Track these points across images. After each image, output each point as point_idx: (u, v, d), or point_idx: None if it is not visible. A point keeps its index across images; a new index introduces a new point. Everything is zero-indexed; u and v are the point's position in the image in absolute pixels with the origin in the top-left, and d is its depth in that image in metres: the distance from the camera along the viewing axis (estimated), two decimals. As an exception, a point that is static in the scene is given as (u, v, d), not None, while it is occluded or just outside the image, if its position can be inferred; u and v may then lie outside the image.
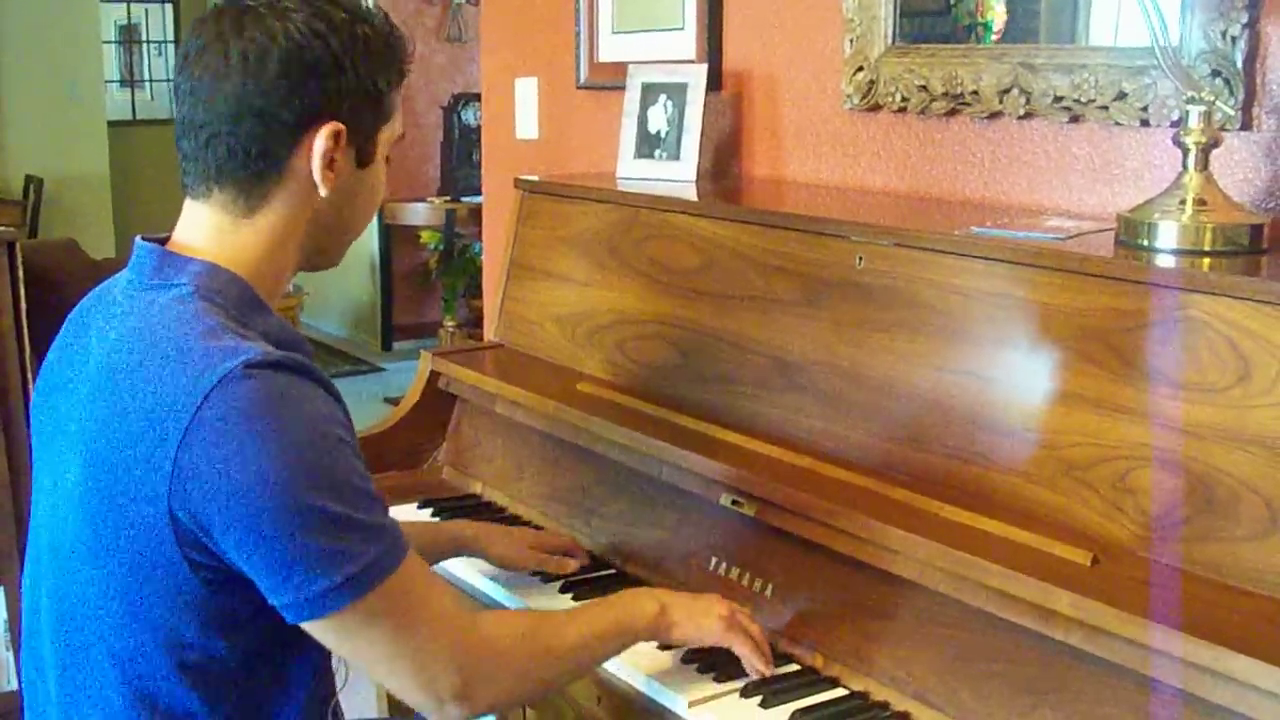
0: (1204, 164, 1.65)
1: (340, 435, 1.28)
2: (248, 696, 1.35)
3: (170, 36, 10.41)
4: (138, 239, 1.41)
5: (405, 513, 2.19)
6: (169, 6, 10.36)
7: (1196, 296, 1.45)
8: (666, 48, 2.70)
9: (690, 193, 2.34)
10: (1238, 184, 1.79)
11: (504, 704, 1.43)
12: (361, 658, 1.32)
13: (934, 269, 1.73)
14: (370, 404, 6.32)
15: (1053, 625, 1.38)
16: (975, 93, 2.09)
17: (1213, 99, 1.65)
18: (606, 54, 2.90)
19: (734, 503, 1.76)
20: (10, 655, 3.24)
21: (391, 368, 7.58)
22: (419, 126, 7.67)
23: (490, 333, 2.55)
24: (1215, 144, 1.65)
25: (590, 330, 2.26)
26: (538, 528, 2.11)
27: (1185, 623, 1.28)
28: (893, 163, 2.28)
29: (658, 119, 2.54)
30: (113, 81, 9.92)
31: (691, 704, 1.58)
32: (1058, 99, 1.97)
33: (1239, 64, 1.75)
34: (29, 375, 3.14)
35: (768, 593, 1.73)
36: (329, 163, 1.36)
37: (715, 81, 2.57)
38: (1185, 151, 1.65)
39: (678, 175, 2.48)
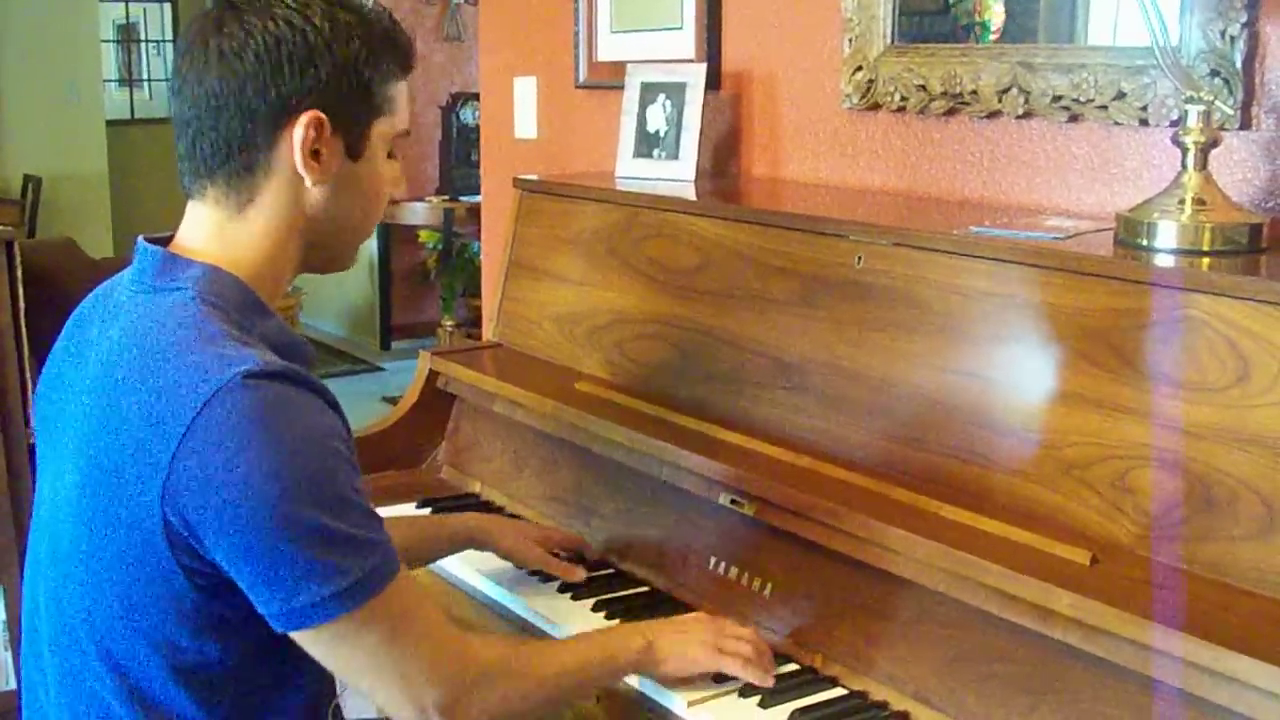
0: (1203, 164, 1.65)
1: (336, 448, 1.27)
2: (244, 699, 1.35)
3: (169, 36, 10.40)
4: (140, 239, 1.41)
5: (404, 511, 2.18)
6: (167, 6, 10.35)
7: (1196, 296, 1.45)
8: (665, 47, 2.70)
9: (689, 192, 2.33)
10: (1237, 184, 1.79)
11: None
12: (348, 670, 1.31)
13: (933, 268, 1.73)
14: (369, 403, 6.32)
15: (1052, 625, 1.38)
16: (974, 92, 2.09)
17: (1212, 98, 1.65)
18: (605, 53, 2.90)
19: (733, 502, 1.76)
20: (9, 655, 3.24)
21: (390, 367, 7.58)
22: (417, 125, 7.67)
23: (489, 332, 2.54)
24: (1214, 143, 1.65)
25: (589, 330, 2.26)
26: (536, 527, 2.11)
27: (1185, 622, 1.28)
28: (892, 162, 2.28)
29: (656, 118, 2.54)
30: (111, 81, 9.92)
31: (690, 703, 1.58)
32: (1057, 98, 1.97)
33: (1238, 64, 1.75)
34: (28, 374, 3.14)
35: (766, 592, 1.73)
36: (313, 153, 1.36)
37: (714, 81, 2.57)
38: (1184, 151, 1.65)
39: (676, 175, 2.48)
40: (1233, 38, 1.74)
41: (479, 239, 4.16)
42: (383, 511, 1.36)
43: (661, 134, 2.53)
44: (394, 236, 7.74)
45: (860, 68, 2.27)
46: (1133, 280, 1.52)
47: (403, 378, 5.76)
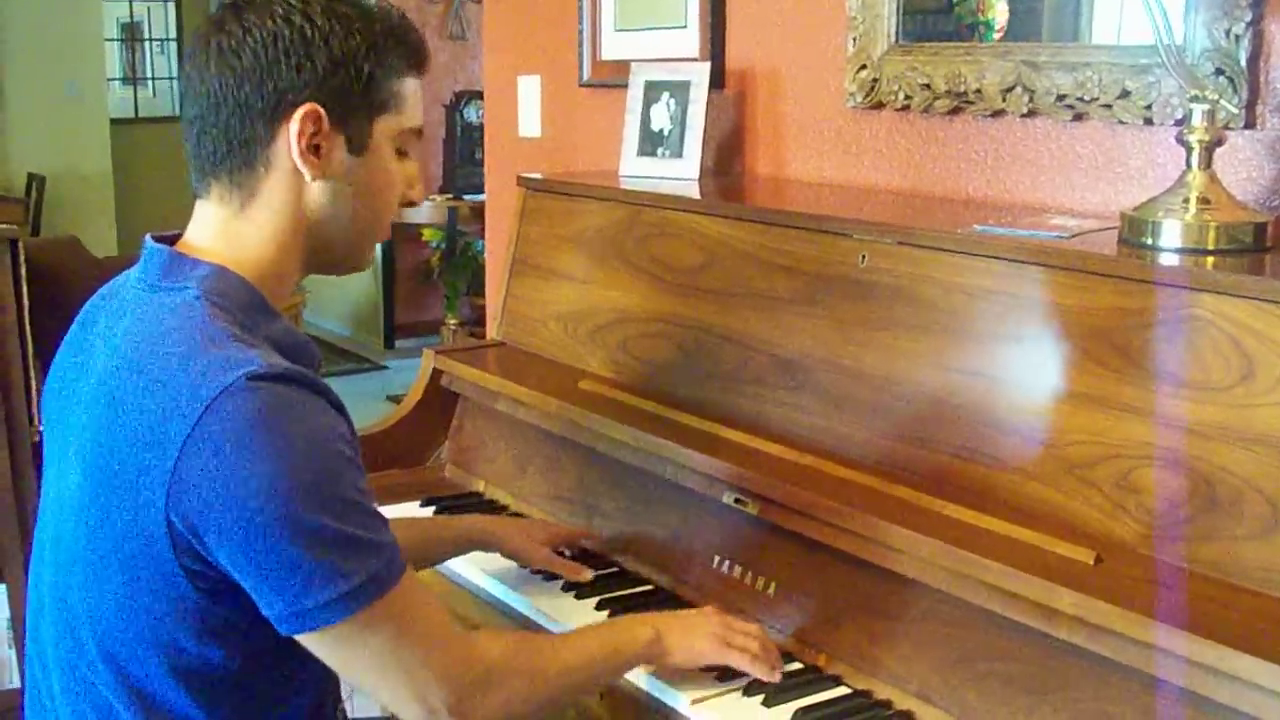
0: (1208, 162, 1.64)
1: (341, 450, 1.27)
2: (247, 702, 1.35)
3: (172, 34, 10.42)
4: (147, 238, 1.41)
5: (408, 510, 2.19)
6: (171, 4, 10.37)
7: (1200, 295, 1.45)
8: (669, 46, 2.70)
9: (693, 191, 2.33)
10: (1241, 182, 1.79)
11: None
12: (354, 672, 1.31)
13: (937, 267, 1.73)
14: (372, 402, 6.32)
15: (1055, 624, 1.38)
16: (978, 91, 2.09)
17: (1216, 97, 1.64)
18: (609, 52, 2.90)
19: (737, 501, 1.76)
20: (13, 653, 3.24)
21: (394, 366, 7.59)
22: (421, 124, 7.65)
23: (492, 331, 2.54)
24: (1219, 142, 1.65)
25: (593, 328, 2.26)
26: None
27: (1188, 622, 1.28)
28: (896, 161, 2.28)
29: (660, 117, 2.54)
30: (115, 79, 9.94)
31: (694, 702, 1.58)
32: (1061, 97, 1.97)
33: (1243, 62, 1.74)
34: (32, 373, 3.15)
35: (770, 591, 1.73)
36: (312, 147, 1.36)
37: (718, 79, 2.57)
38: (1189, 150, 1.65)
39: (680, 173, 2.48)
40: (1237, 36, 1.74)
41: (483, 237, 4.16)
42: (386, 511, 1.36)
43: (665, 133, 2.53)
44: (398, 235, 7.73)
45: (864, 66, 2.27)
46: (1137, 279, 1.52)
47: (406, 376, 5.76)
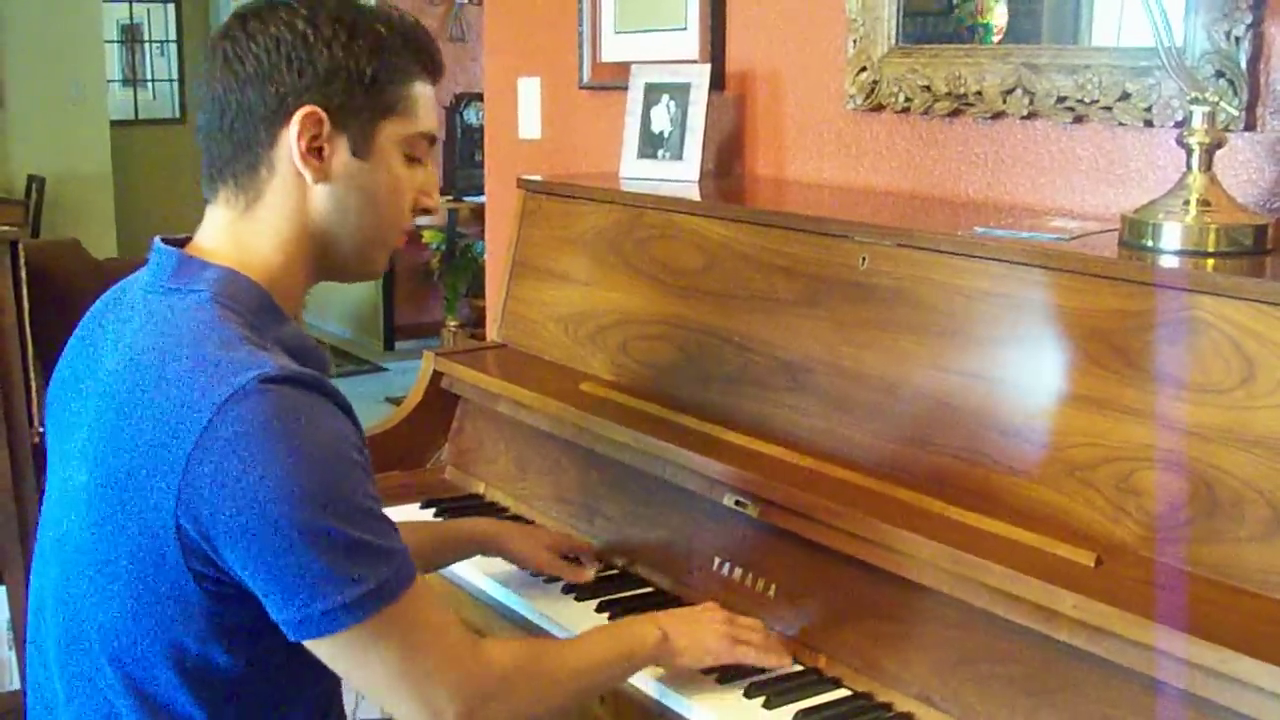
0: (1208, 165, 1.64)
1: (352, 455, 1.26)
2: (251, 706, 1.34)
3: (172, 36, 10.42)
4: (156, 240, 1.41)
5: (408, 512, 2.19)
6: (171, 6, 10.37)
7: (1200, 297, 1.45)
8: (669, 48, 2.70)
9: (693, 193, 2.33)
10: (1242, 185, 1.79)
11: None
12: (362, 680, 1.30)
13: (938, 269, 1.73)
14: (372, 404, 6.32)
15: (1056, 626, 1.38)
16: (979, 93, 2.09)
17: (1217, 100, 1.64)
18: (609, 54, 2.90)
19: (737, 503, 1.76)
20: (13, 655, 3.24)
21: (393, 368, 7.59)
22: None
23: (493, 333, 2.54)
24: (1219, 145, 1.65)
25: (593, 330, 2.26)
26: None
27: (1189, 624, 1.28)
28: (896, 163, 2.28)
29: (660, 119, 2.54)
30: (115, 81, 9.94)
31: (695, 704, 1.58)
32: (1061, 99, 1.97)
33: (1243, 64, 1.75)
34: (32, 374, 3.14)
35: (771, 593, 1.73)
36: (313, 150, 1.36)
37: (718, 81, 2.57)
38: (1189, 152, 1.65)
39: (680, 175, 2.48)
40: (1238, 39, 1.74)
41: (483, 239, 4.16)
42: (388, 513, 1.36)
43: (665, 134, 2.53)
44: (397, 237, 7.73)
45: (864, 68, 2.27)
46: (1137, 281, 1.52)
47: (406, 378, 5.77)
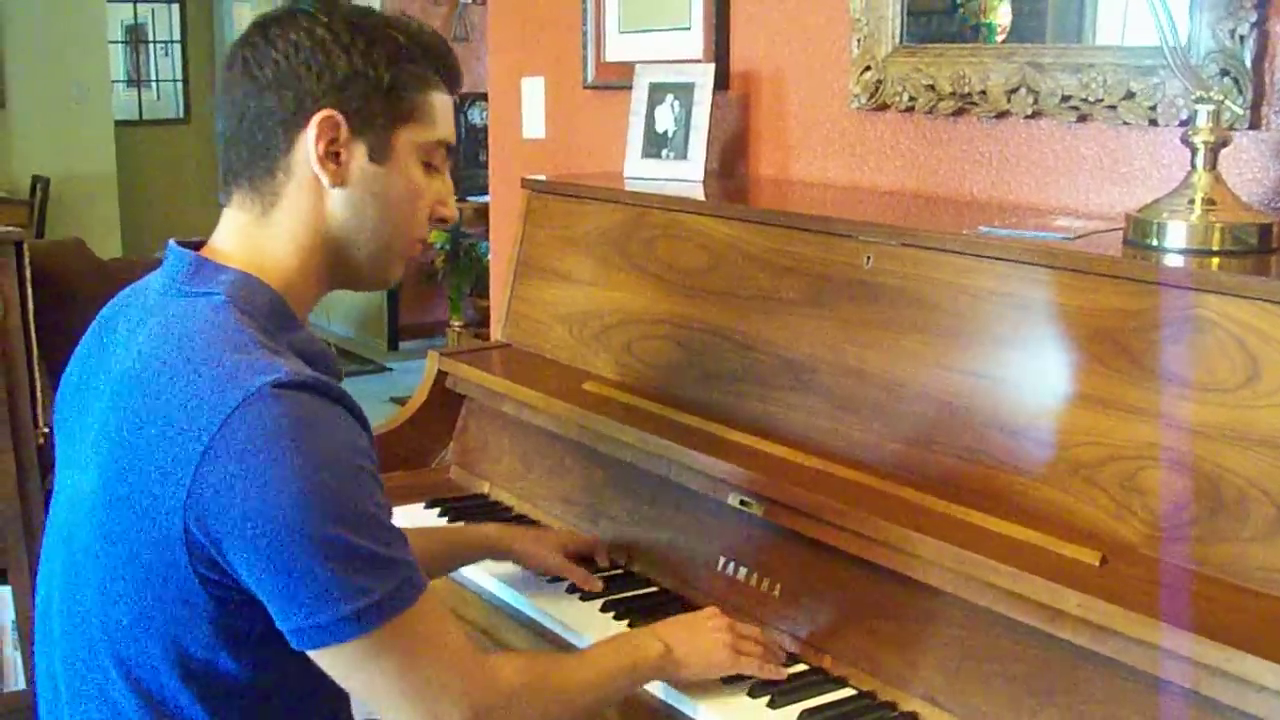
0: (1212, 163, 1.64)
1: (363, 464, 1.26)
2: (258, 712, 1.33)
3: (177, 36, 10.43)
4: (171, 243, 1.40)
5: (413, 512, 2.19)
6: (175, 6, 10.38)
7: (1205, 296, 1.45)
8: (673, 47, 2.70)
9: (697, 192, 2.34)
10: (1246, 183, 1.79)
11: None
12: (367, 693, 1.29)
13: (942, 269, 1.73)
14: (376, 404, 6.32)
15: (1061, 625, 1.38)
16: (983, 92, 2.09)
17: (1221, 98, 1.64)
18: (613, 54, 2.90)
19: (742, 503, 1.76)
20: (18, 655, 3.25)
21: (398, 368, 7.59)
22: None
23: (497, 332, 2.55)
24: (1224, 143, 1.65)
25: (597, 330, 2.26)
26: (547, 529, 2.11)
27: (1194, 623, 1.28)
28: (900, 162, 2.28)
29: (665, 119, 2.54)
30: (119, 81, 9.95)
31: (699, 703, 1.58)
32: (1065, 98, 1.96)
33: (1248, 63, 1.74)
34: (37, 375, 3.15)
35: (775, 593, 1.73)
36: (330, 154, 1.36)
37: (722, 81, 2.57)
38: (1194, 151, 1.65)
39: (685, 175, 2.48)
40: (1242, 37, 1.74)
41: (487, 239, 4.16)
42: (395, 515, 1.35)
43: (670, 134, 2.53)
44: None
45: (868, 68, 2.27)
46: (1142, 280, 1.52)
47: (411, 378, 5.77)
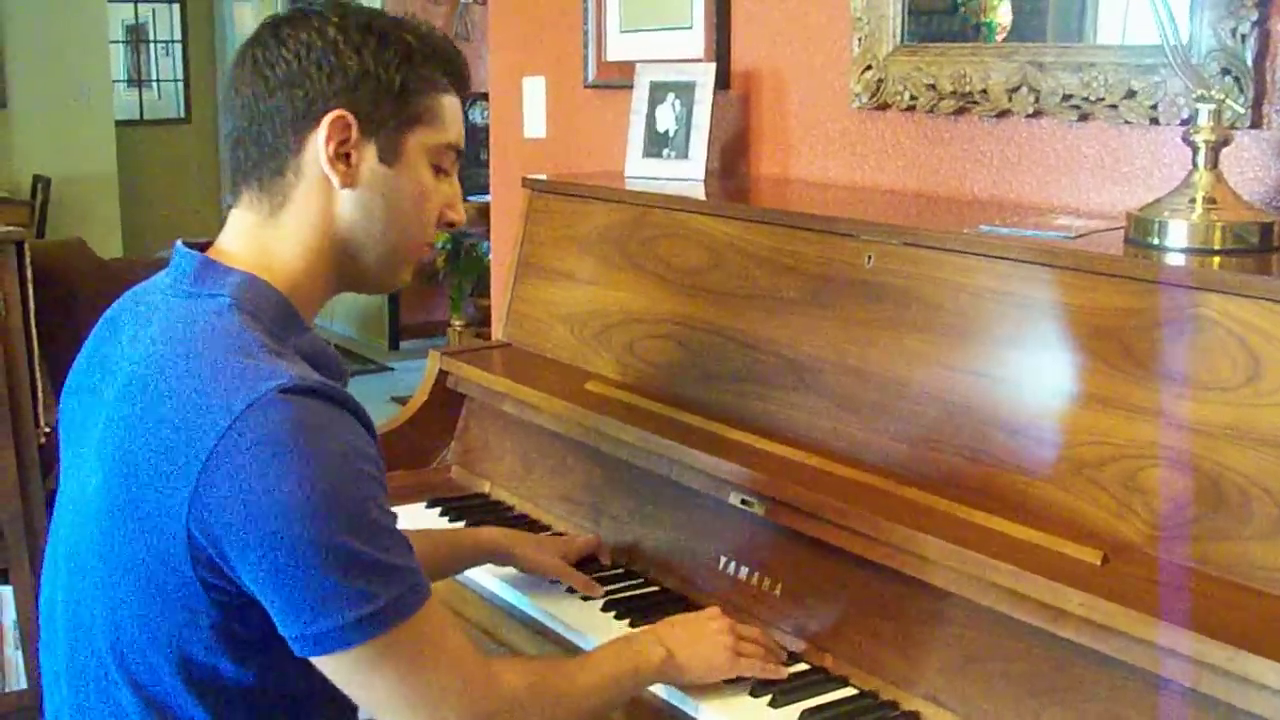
0: (1214, 162, 1.64)
1: (368, 470, 1.25)
2: (258, 715, 1.33)
3: (177, 36, 10.43)
4: (178, 243, 1.40)
5: (414, 512, 2.19)
6: (176, 6, 10.38)
7: (1207, 295, 1.45)
8: (674, 47, 2.70)
9: (698, 192, 2.34)
10: (1248, 182, 1.79)
11: None
12: (370, 700, 1.29)
13: (943, 268, 1.72)
14: (378, 403, 6.32)
15: (1063, 624, 1.38)
16: (984, 91, 2.09)
17: (1222, 97, 1.64)
18: (614, 53, 2.90)
19: (744, 502, 1.76)
20: (19, 655, 3.25)
21: (399, 367, 7.59)
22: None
23: (498, 332, 2.55)
24: (1225, 142, 1.65)
25: (599, 329, 2.26)
26: (544, 528, 2.11)
27: (1195, 622, 1.28)
28: (901, 161, 2.28)
29: (666, 118, 2.54)
30: (120, 81, 9.95)
31: (700, 703, 1.58)
32: (1066, 97, 1.96)
33: (1249, 62, 1.74)
34: (38, 374, 3.15)
35: (777, 592, 1.73)
36: (341, 155, 1.35)
37: (723, 80, 2.57)
38: (1195, 150, 1.65)
39: (686, 174, 2.48)
40: (1243, 36, 1.74)
41: (488, 239, 4.16)
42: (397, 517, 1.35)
43: (671, 133, 2.53)
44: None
45: (869, 67, 2.27)
46: (1143, 279, 1.52)
47: (412, 378, 5.76)
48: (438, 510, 2.21)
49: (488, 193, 3.45)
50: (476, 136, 6.93)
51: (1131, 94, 1.88)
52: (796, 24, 2.46)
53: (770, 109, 2.54)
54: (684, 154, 2.50)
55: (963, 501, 1.59)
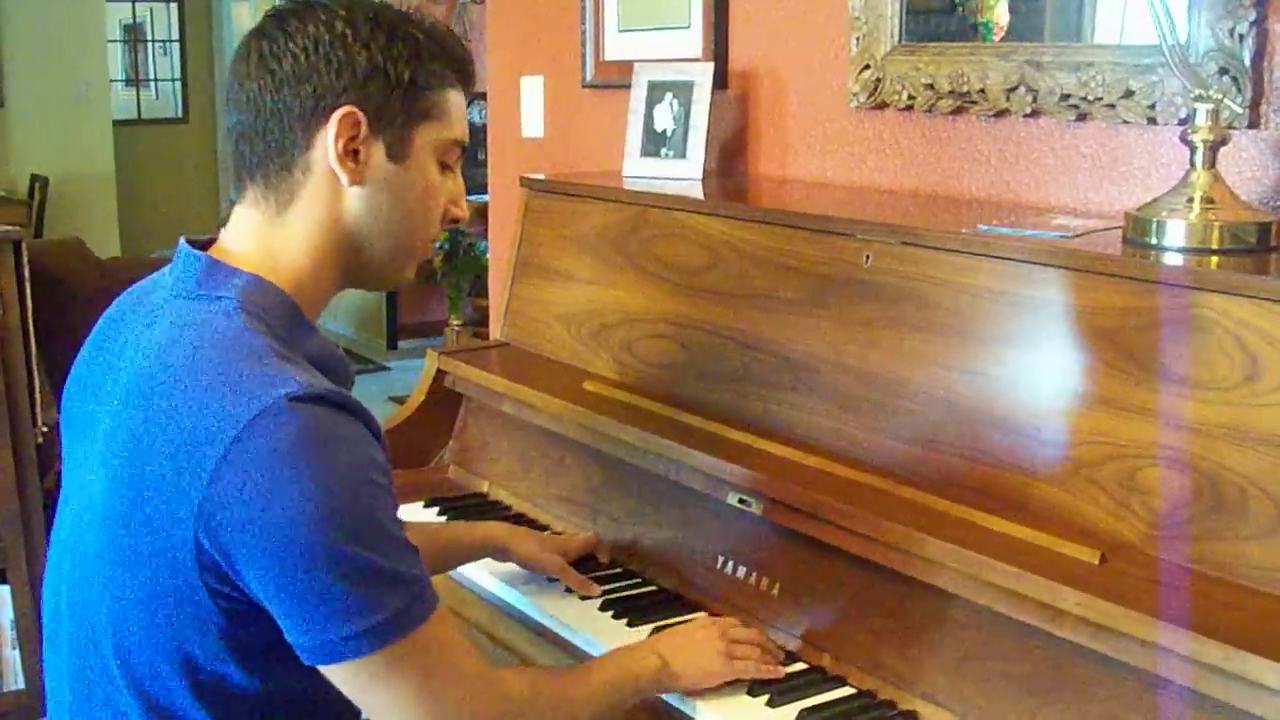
0: (1211, 162, 1.64)
1: (377, 479, 1.25)
2: None
3: (175, 35, 10.43)
4: (181, 242, 1.38)
5: (412, 511, 2.19)
6: (174, 5, 10.38)
7: (1205, 295, 1.45)
8: (672, 46, 2.70)
9: (696, 191, 2.33)
10: (1245, 182, 1.79)
11: None
12: (377, 709, 1.28)
13: (941, 267, 1.72)
14: (375, 403, 6.32)
15: (1061, 624, 1.38)
16: (982, 91, 2.09)
17: (1220, 97, 1.64)
18: (612, 52, 2.90)
19: (741, 502, 1.76)
20: (16, 654, 3.24)
21: (396, 367, 7.59)
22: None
23: (496, 332, 2.55)
24: (1223, 142, 1.65)
25: (596, 329, 2.26)
26: (542, 527, 2.11)
27: (1194, 622, 1.28)
28: (899, 161, 2.28)
29: (664, 117, 2.54)
30: (118, 81, 9.95)
31: (699, 703, 1.58)
32: (1064, 97, 1.96)
33: (1247, 62, 1.74)
34: (35, 374, 3.15)
35: (775, 592, 1.73)
36: (350, 152, 1.34)
37: (721, 80, 2.57)
38: (1193, 150, 1.65)
39: (684, 174, 2.48)
40: (1241, 35, 1.74)
41: (485, 238, 4.16)
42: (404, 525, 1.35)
43: (669, 133, 2.53)
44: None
45: (868, 66, 2.27)
46: (1141, 279, 1.52)
47: (409, 377, 5.77)
48: (435, 510, 2.21)
49: (485, 192, 3.45)
50: (474, 136, 6.90)
51: (1129, 94, 1.88)
52: (794, 23, 2.46)
53: (768, 108, 2.54)
54: (682, 154, 2.50)
55: (960, 501, 1.59)
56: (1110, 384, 1.52)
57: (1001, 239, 1.69)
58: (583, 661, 1.69)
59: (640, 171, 2.55)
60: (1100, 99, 1.91)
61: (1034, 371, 1.60)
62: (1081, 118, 1.97)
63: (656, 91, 2.56)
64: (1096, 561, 1.42)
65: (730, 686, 1.60)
